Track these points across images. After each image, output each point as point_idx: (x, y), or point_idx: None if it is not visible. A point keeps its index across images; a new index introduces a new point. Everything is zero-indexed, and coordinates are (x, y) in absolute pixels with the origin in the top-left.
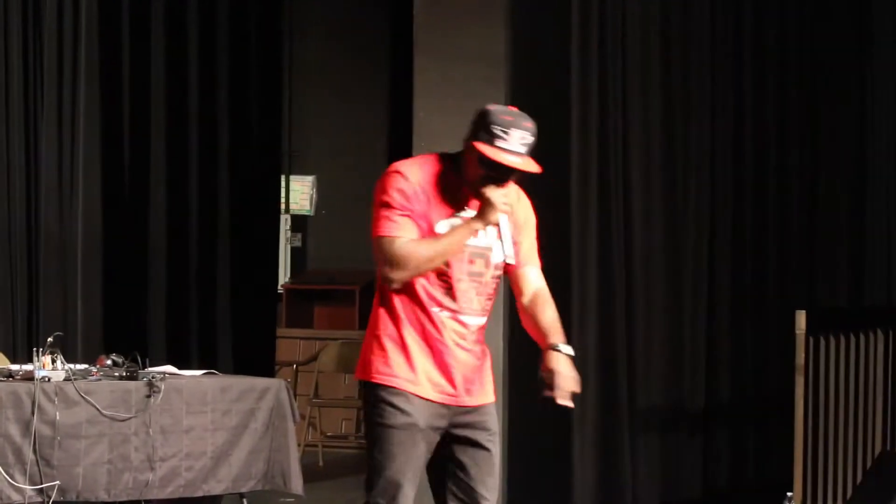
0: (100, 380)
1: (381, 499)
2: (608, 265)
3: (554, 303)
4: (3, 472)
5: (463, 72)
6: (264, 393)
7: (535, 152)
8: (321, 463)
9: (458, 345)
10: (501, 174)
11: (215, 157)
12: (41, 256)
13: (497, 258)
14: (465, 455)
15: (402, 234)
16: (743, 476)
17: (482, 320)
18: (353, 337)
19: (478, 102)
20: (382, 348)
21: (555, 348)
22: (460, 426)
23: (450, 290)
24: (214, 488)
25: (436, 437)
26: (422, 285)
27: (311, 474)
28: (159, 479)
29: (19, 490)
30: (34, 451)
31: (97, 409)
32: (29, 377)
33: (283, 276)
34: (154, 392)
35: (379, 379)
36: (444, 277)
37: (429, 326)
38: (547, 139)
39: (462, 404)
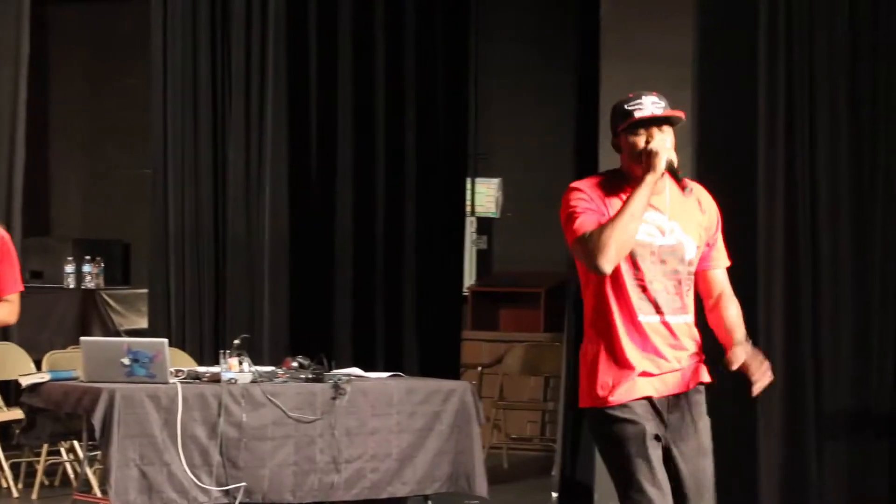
0: (286, 382)
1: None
2: (794, 267)
3: (737, 300)
4: (189, 473)
5: (650, 72)
6: (450, 395)
7: (717, 150)
8: (506, 465)
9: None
10: (649, 127)
11: (401, 160)
12: (228, 259)
13: (690, 254)
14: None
15: (588, 227)
16: None
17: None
18: (538, 339)
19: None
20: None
21: (742, 342)
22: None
23: (645, 292)
24: (399, 490)
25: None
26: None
27: (495, 477)
28: (344, 480)
29: (206, 491)
30: (220, 452)
31: (283, 412)
32: (216, 379)
33: (469, 278)
34: (340, 394)
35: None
36: (638, 282)
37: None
38: (733, 138)
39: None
